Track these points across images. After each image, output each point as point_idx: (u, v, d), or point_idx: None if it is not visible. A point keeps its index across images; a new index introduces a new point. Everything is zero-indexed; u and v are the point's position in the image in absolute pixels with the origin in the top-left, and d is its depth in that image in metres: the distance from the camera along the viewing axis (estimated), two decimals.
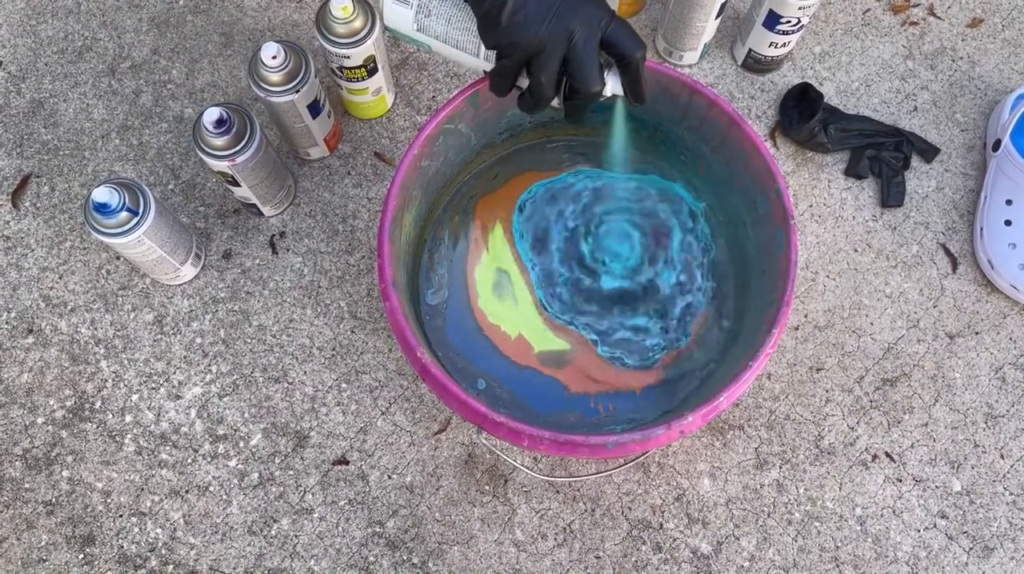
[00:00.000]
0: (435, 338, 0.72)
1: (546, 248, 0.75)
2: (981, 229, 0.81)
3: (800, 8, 0.77)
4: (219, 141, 0.69)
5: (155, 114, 0.86)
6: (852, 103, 0.87)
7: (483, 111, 0.68)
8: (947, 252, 0.82)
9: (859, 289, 0.81)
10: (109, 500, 0.75)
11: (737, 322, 0.71)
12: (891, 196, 0.83)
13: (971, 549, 0.74)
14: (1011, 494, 0.75)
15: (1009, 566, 0.74)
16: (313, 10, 0.90)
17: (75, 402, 0.77)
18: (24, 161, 0.84)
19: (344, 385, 0.78)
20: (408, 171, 0.63)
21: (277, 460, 0.76)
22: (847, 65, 0.89)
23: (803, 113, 0.84)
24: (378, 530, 0.74)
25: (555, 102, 0.57)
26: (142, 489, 0.75)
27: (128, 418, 0.77)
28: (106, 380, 0.78)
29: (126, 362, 0.78)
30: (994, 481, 0.76)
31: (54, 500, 0.75)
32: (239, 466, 0.75)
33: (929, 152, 0.85)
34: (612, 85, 0.56)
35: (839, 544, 0.74)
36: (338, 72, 0.77)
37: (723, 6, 0.79)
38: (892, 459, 0.76)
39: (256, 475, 0.75)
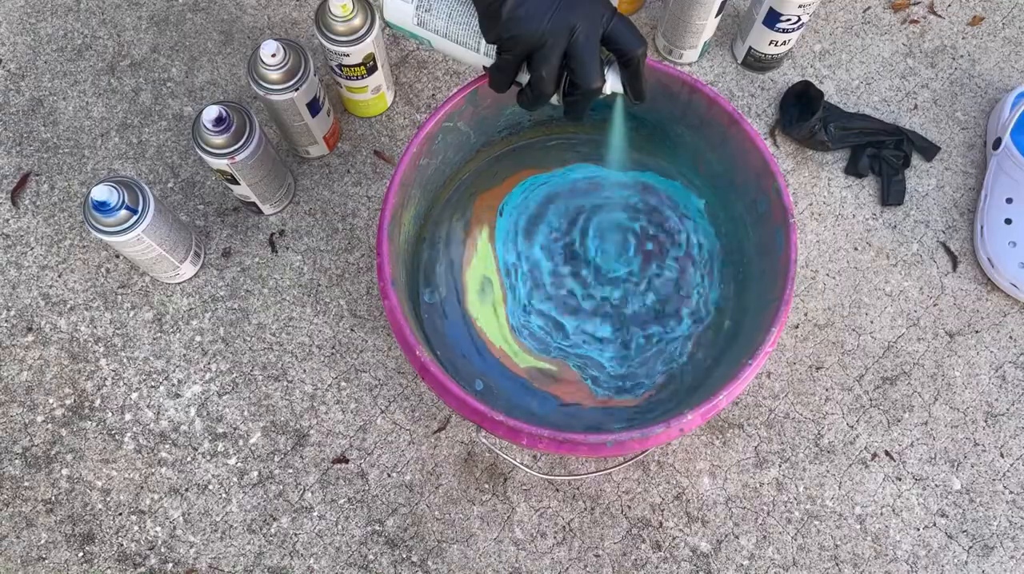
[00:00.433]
0: (434, 337, 0.72)
1: (531, 256, 0.73)
2: (981, 227, 0.81)
3: (800, 6, 0.77)
4: (218, 139, 0.69)
5: (154, 112, 0.86)
6: (852, 101, 0.87)
7: (483, 109, 0.68)
8: (947, 250, 0.82)
9: (859, 287, 0.81)
10: (109, 498, 0.75)
11: (737, 321, 0.71)
12: (891, 194, 0.83)
13: (971, 548, 0.74)
14: (1011, 493, 0.75)
15: (1009, 565, 0.74)
16: (312, 8, 0.90)
17: (75, 400, 0.77)
18: (23, 159, 0.84)
19: (343, 383, 0.78)
20: (407, 169, 0.63)
21: (276, 458, 0.76)
22: (847, 63, 0.88)
23: (803, 111, 0.84)
24: (377, 528, 0.74)
25: (555, 99, 0.57)
26: (142, 487, 0.75)
27: (128, 416, 0.77)
28: (105, 378, 0.78)
29: (125, 360, 0.78)
30: (994, 480, 0.76)
31: (54, 498, 0.75)
32: (238, 464, 0.75)
33: (929, 150, 0.85)
34: (612, 82, 0.56)
35: (838, 543, 0.74)
36: (337, 70, 0.77)
37: (723, 4, 0.79)
38: (892, 458, 0.76)
39: (255, 473, 0.75)
